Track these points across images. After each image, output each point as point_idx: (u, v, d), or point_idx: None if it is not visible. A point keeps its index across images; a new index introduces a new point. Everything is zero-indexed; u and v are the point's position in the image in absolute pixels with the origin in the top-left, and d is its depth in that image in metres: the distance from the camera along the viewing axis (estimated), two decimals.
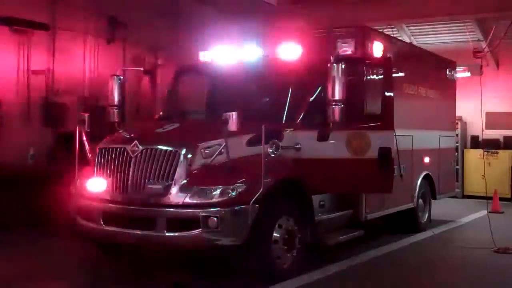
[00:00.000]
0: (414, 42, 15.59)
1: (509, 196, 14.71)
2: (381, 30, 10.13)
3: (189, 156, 6.46)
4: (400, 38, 14.75)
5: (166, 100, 8.69)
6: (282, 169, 6.92)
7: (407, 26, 15.74)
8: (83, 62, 11.39)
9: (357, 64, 7.65)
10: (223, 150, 6.40)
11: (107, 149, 6.87)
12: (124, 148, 6.69)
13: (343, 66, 6.89)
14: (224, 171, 6.38)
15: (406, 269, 7.75)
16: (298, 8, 14.79)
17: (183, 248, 6.68)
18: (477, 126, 14.74)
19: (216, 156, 6.48)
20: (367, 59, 7.89)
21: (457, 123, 14.05)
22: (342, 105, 6.85)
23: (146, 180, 6.46)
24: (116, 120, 8.10)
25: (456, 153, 13.23)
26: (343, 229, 7.95)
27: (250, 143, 6.78)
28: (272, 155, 6.64)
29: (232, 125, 6.28)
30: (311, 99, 7.63)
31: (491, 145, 14.93)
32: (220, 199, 6.24)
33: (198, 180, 6.37)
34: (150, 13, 12.29)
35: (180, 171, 6.39)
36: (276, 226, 6.63)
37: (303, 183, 7.07)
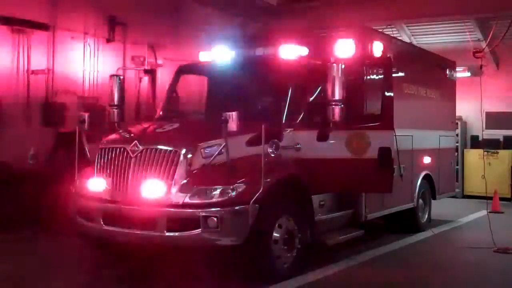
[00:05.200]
0: (414, 42, 15.58)
1: (509, 196, 14.71)
2: (381, 30, 10.13)
3: (189, 156, 6.45)
4: (400, 38, 14.74)
5: (166, 100, 8.68)
6: (282, 169, 6.92)
7: (407, 26, 15.73)
8: (83, 62, 11.39)
9: (357, 64, 7.65)
10: (223, 150, 6.38)
11: (107, 149, 6.87)
12: (124, 148, 6.69)
13: (343, 66, 6.90)
14: (224, 171, 6.38)
15: (406, 269, 7.74)
16: (298, 8, 14.80)
17: (183, 248, 6.67)
18: (477, 126, 14.75)
19: (216, 156, 6.46)
20: (367, 59, 7.88)
21: (457, 123, 14.04)
22: (342, 105, 6.86)
23: (146, 180, 6.45)
24: (116, 120, 8.10)
25: (456, 153, 13.23)
26: (343, 229, 7.95)
27: (250, 143, 6.77)
28: (272, 155, 6.65)
29: (232, 125, 6.28)
30: (311, 99, 7.62)
31: (491, 145, 14.92)
32: (220, 199, 6.23)
33: (198, 180, 6.36)
34: (150, 13, 12.29)
35: (180, 171, 6.38)
36: (276, 226, 6.63)
37: (303, 183, 7.07)
